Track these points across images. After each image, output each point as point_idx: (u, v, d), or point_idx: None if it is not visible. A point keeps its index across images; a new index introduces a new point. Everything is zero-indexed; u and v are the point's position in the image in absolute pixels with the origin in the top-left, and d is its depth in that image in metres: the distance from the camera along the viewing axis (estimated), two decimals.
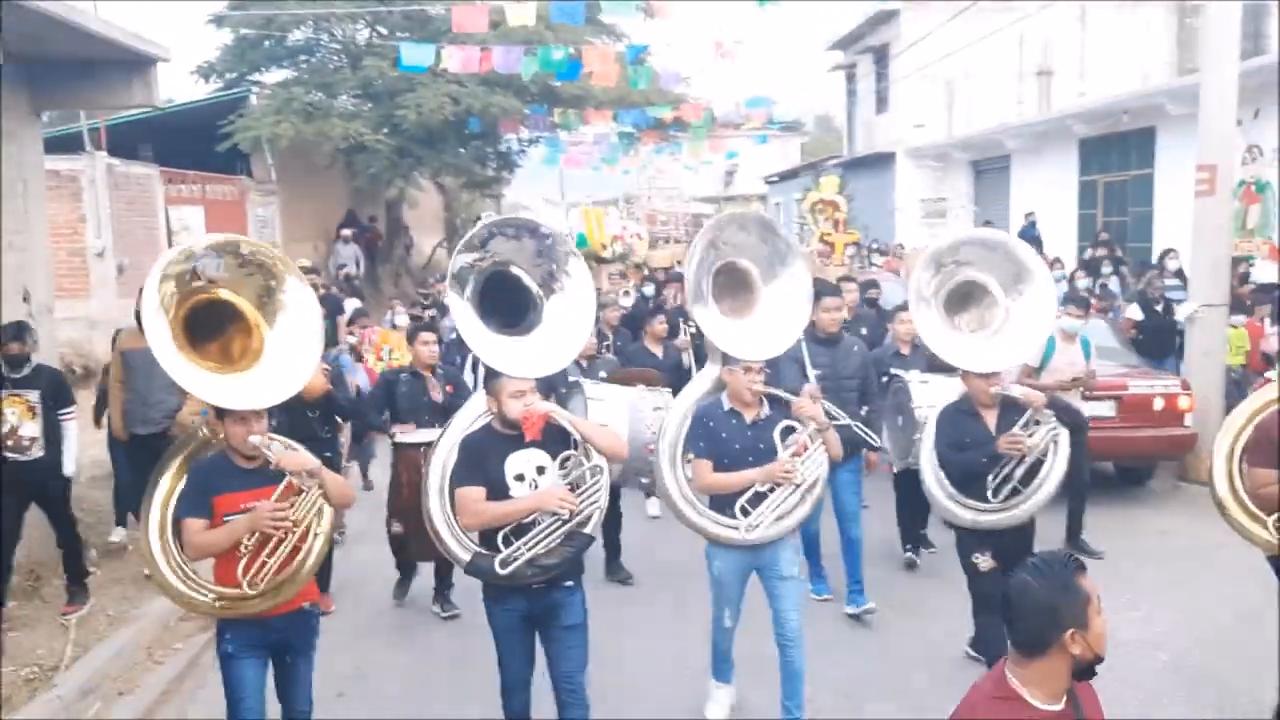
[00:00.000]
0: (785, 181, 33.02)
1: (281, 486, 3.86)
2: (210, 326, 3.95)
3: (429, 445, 6.05)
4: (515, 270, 4.38)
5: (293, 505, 3.87)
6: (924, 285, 5.18)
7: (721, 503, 4.70)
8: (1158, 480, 9.01)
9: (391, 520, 6.62)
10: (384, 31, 21.63)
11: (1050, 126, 18.59)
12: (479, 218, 23.49)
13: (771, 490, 4.62)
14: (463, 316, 4.24)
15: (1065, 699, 2.36)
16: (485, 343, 4.25)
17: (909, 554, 7.19)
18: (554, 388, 6.10)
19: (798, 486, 4.63)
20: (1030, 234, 16.69)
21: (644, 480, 6.16)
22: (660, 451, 4.93)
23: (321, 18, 20.83)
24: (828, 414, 5.13)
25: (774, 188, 35.79)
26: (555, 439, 4.10)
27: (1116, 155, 17.29)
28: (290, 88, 20.16)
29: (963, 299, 5.22)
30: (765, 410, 4.74)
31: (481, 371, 4.96)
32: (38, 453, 6.30)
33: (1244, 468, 4.34)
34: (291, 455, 3.93)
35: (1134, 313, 10.75)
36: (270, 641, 3.97)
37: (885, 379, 6.82)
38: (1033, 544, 4.98)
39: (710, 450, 4.67)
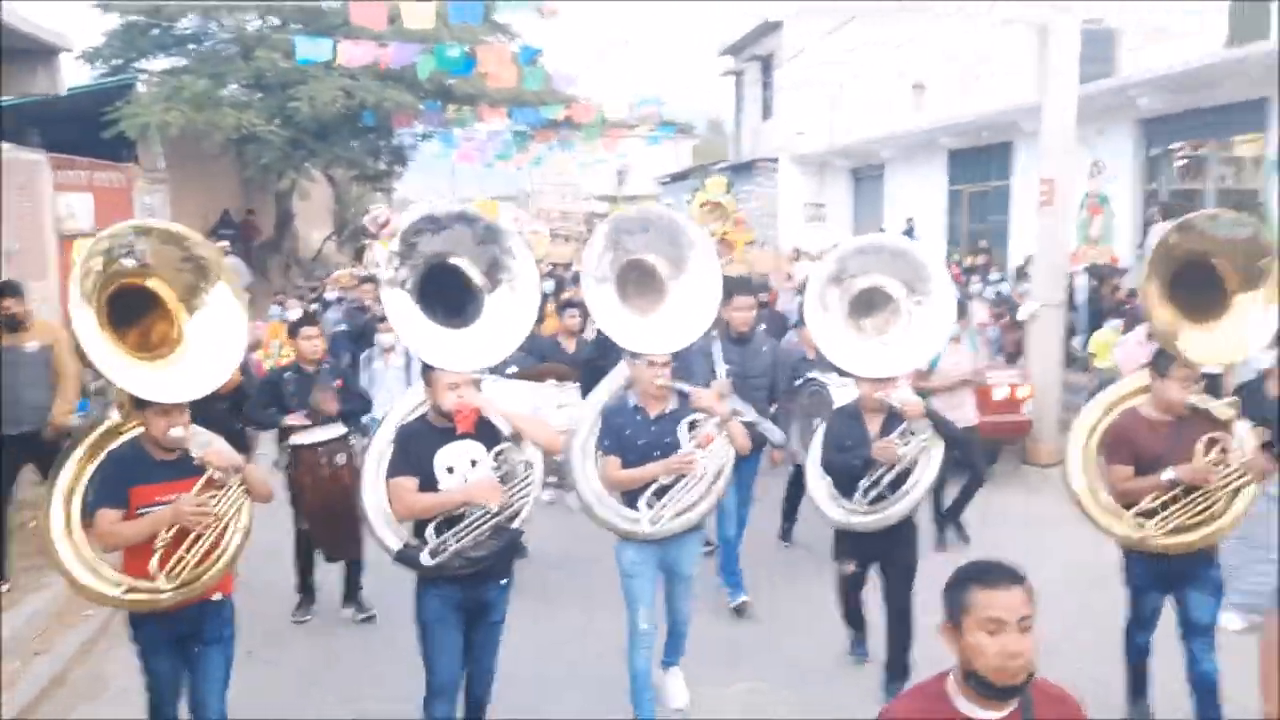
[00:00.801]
0: (677, 182, 33.82)
1: (202, 480, 3.84)
2: (130, 312, 3.89)
3: (326, 444, 6.17)
4: (455, 261, 4.35)
5: (215, 500, 3.86)
6: (825, 291, 5.20)
7: (631, 499, 4.75)
8: (1001, 463, 9.93)
9: (298, 520, 6.41)
10: (276, 22, 21.59)
11: (921, 138, 19.74)
12: (368, 210, 23.69)
13: (676, 483, 4.68)
14: (397, 309, 4.24)
15: (1011, 710, 2.28)
16: (419, 335, 4.25)
17: (784, 542, 7.79)
18: None
19: (700, 479, 4.68)
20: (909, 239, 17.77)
21: (549, 479, 6.04)
22: (572, 449, 4.96)
23: (211, 7, 20.72)
24: (735, 411, 5.26)
25: (666, 188, 36.59)
26: (490, 432, 4.16)
27: (979, 167, 18.51)
28: (179, 75, 20.00)
29: (866, 305, 5.24)
30: (672, 405, 4.80)
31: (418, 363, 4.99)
32: None
33: (1102, 463, 4.60)
34: (216, 451, 3.90)
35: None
36: (180, 633, 3.96)
37: (797, 382, 6.89)
38: (909, 549, 5.14)
39: (616, 446, 4.73)
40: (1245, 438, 4.43)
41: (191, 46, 21.86)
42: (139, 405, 3.86)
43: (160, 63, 21.83)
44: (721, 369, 6.01)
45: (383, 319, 7.98)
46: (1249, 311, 4.51)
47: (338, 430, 6.33)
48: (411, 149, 26.31)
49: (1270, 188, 12.19)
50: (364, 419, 6.91)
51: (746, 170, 26.65)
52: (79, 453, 4.10)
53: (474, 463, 4.11)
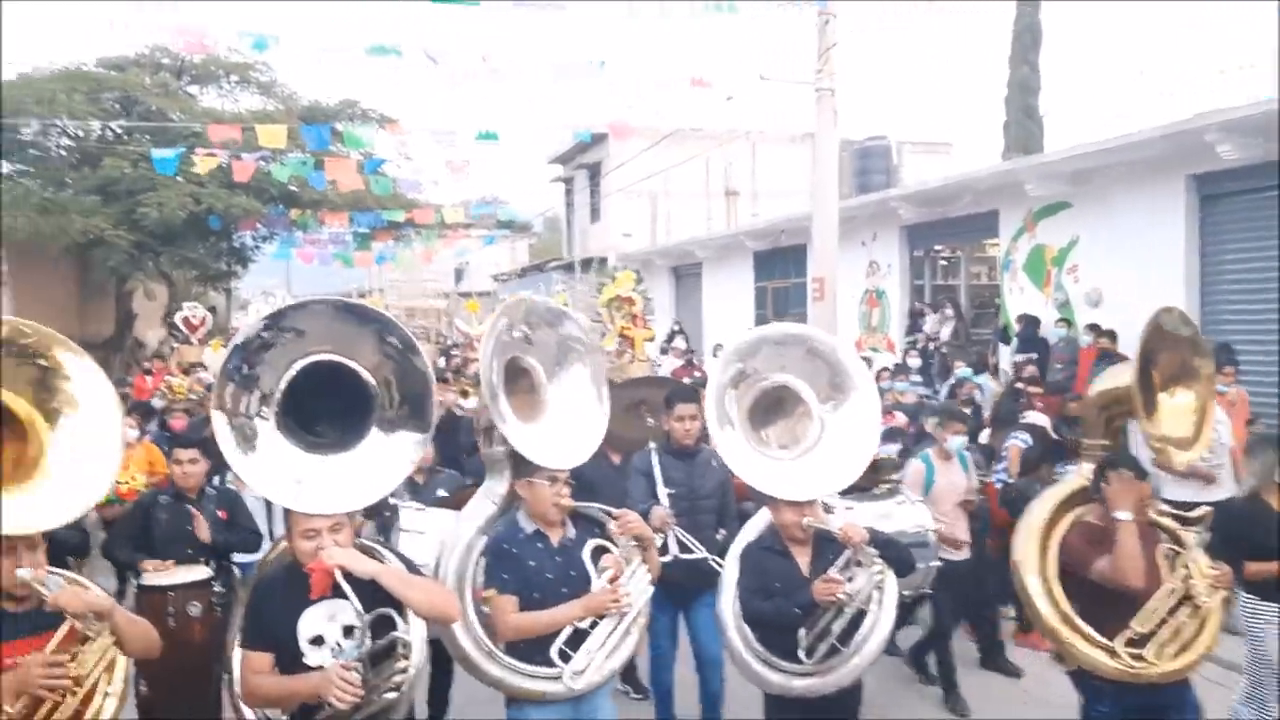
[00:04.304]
0: (513, 280, 35.62)
1: (61, 633, 3.08)
2: None
3: (179, 589, 5.16)
4: (346, 362, 3.55)
5: (74, 658, 3.09)
6: (723, 396, 4.44)
7: (530, 650, 3.88)
8: None
9: (137, 680, 4.98)
10: (118, 131, 22.39)
11: (730, 240, 22.10)
12: (213, 309, 24.41)
13: (594, 626, 3.90)
14: (227, 432, 3.37)
15: None
16: (261, 468, 3.39)
17: None
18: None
19: (623, 617, 3.93)
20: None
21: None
22: (446, 576, 4.14)
23: (53, 114, 21.40)
24: (681, 544, 4.84)
25: (503, 285, 38.34)
26: (368, 589, 3.21)
27: (780, 266, 20.90)
28: (19, 180, 20.58)
29: (768, 409, 4.52)
30: (570, 530, 4.05)
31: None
32: None
33: (1064, 584, 4.21)
34: (72, 592, 3.15)
35: None
36: None
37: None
38: (857, 714, 4.31)
39: (516, 584, 3.88)
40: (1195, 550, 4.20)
41: (33, 152, 22.39)
42: None
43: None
44: (664, 491, 5.26)
45: None
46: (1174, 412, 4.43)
47: (199, 573, 5.32)
48: (253, 250, 27.20)
49: (1005, 282, 14.72)
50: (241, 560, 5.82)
51: (579, 268, 28.71)
52: None
53: (349, 630, 3.25)
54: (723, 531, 5.40)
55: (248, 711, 3.62)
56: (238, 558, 5.72)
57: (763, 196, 26.11)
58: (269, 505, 6.18)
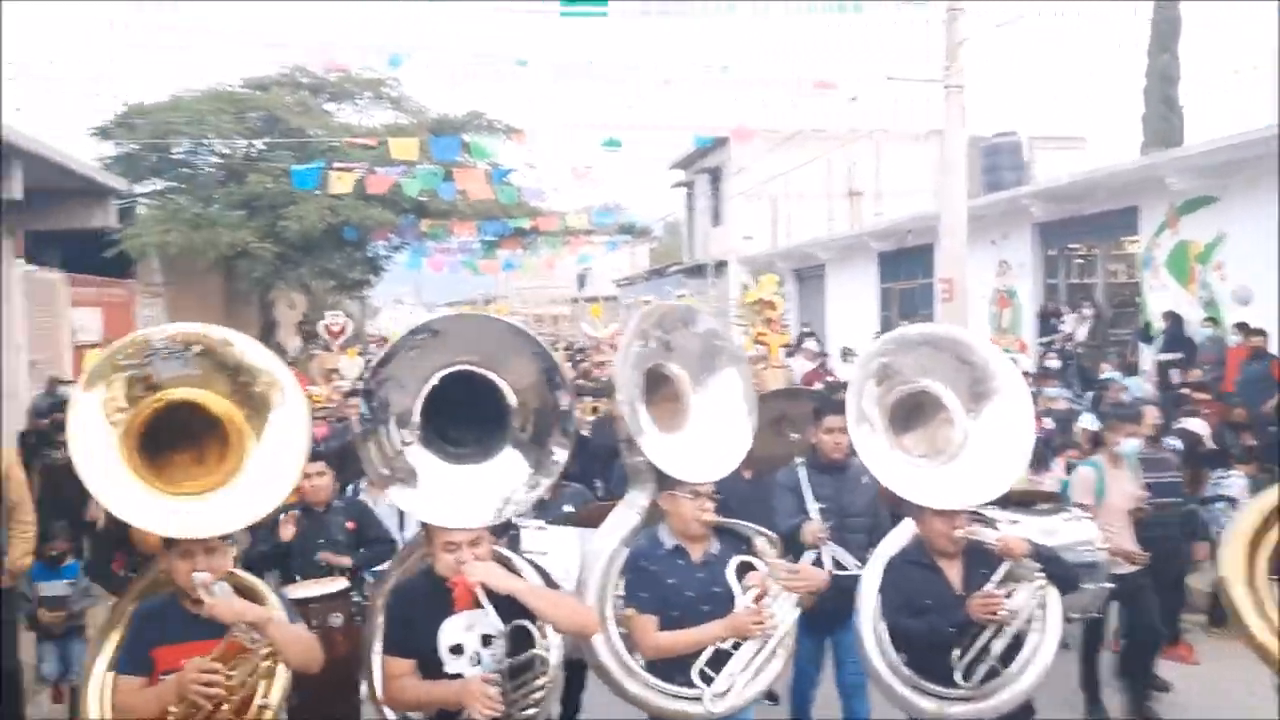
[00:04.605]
0: (639, 283, 36.00)
1: (225, 641, 3.15)
2: (171, 436, 3.34)
3: (320, 601, 5.08)
4: (483, 372, 3.53)
5: (233, 666, 3.14)
6: (864, 397, 4.22)
7: (670, 668, 3.77)
8: None
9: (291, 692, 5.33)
10: (261, 147, 23.49)
11: (853, 241, 21.84)
12: (349, 315, 25.34)
13: (736, 647, 3.75)
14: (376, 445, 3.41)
15: None
16: (423, 499, 3.42)
17: None
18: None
19: (767, 639, 3.76)
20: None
21: None
22: (584, 601, 3.99)
23: (201, 134, 22.60)
24: (837, 563, 4.60)
25: (625, 290, 38.72)
26: (506, 600, 3.22)
27: (906, 266, 20.55)
28: (171, 196, 21.81)
29: (907, 415, 4.28)
30: (714, 546, 3.92)
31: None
32: None
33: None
34: (225, 603, 3.17)
35: None
36: None
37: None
38: None
39: (655, 602, 3.78)
40: None
41: (184, 170, 23.67)
42: (167, 544, 3.28)
43: (152, 184, 23.64)
44: (814, 506, 4.93)
45: None
46: None
47: (338, 584, 5.28)
48: (385, 259, 28.14)
49: (1146, 280, 14.17)
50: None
51: (699, 271, 28.77)
52: (123, 610, 3.66)
53: (487, 639, 3.25)
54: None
55: (390, 713, 3.59)
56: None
57: (887, 196, 25.67)
58: (401, 512, 5.99)
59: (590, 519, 4.75)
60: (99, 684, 3.44)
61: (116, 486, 3.13)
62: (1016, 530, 4.28)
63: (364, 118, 25.71)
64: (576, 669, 5.02)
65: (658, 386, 4.13)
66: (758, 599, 3.76)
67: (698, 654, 3.72)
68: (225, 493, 3.27)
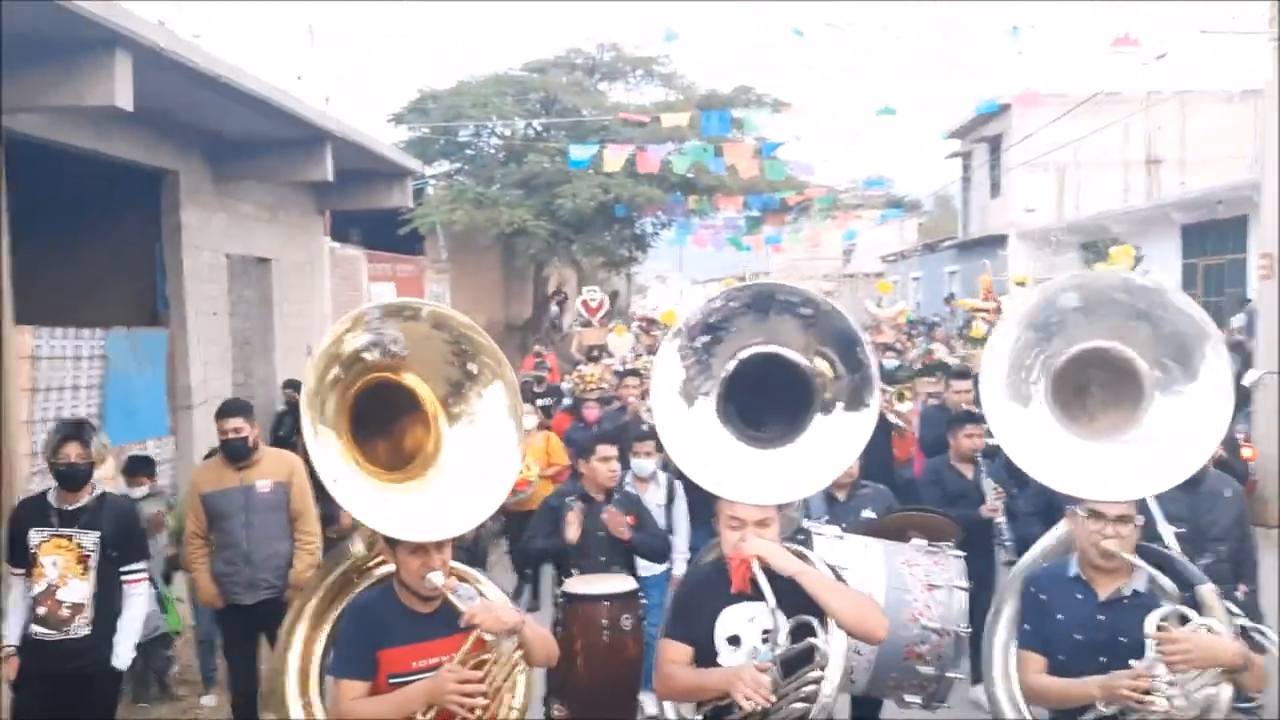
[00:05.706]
0: (915, 256, 34.79)
1: (470, 642, 2.99)
2: (375, 417, 3.21)
3: (613, 599, 4.73)
4: (786, 354, 3.36)
5: (486, 671, 3.00)
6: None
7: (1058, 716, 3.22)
8: None
9: (550, 700, 4.76)
10: (538, 129, 24.53)
11: (1152, 213, 20.05)
12: (615, 293, 26.04)
13: (1122, 715, 2.96)
14: (673, 418, 3.32)
15: None
16: (704, 455, 3.30)
17: None
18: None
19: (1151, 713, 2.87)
20: None
21: (907, 698, 4.30)
22: (994, 630, 3.56)
23: (484, 117, 23.86)
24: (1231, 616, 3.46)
25: (891, 265, 37.53)
26: (789, 591, 3.04)
27: (1214, 240, 18.65)
28: (457, 178, 23.17)
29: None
30: (1137, 583, 3.13)
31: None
32: (82, 629, 4.38)
33: None
34: (487, 609, 3.05)
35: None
36: None
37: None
38: None
39: (1038, 640, 3.20)
40: None
41: (469, 152, 25.08)
42: (390, 541, 3.13)
43: (439, 167, 25.24)
44: (1168, 529, 3.84)
45: (641, 435, 6.01)
46: None
47: (628, 583, 4.92)
48: (652, 236, 28.68)
49: None
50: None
51: (974, 246, 27.37)
52: (312, 603, 3.57)
53: (767, 635, 3.05)
54: (1242, 587, 4.25)
55: (669, 710, 3.35)
56: (642, 571, 5.34)
57: (1191, 164, 23.38)
58: (666, 514, 5.91)
59: (895, 529, 4.21)
60: (298, 683, 3.39)
61: (355, 487, 3.05)
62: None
63: (635, 95, 26.29)
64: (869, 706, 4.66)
65: (1105, 377, 3.45)
66: (1169, 662, 2.91)
67: (1083, 710, 3.04)
68: (445, 483, 3.17)
